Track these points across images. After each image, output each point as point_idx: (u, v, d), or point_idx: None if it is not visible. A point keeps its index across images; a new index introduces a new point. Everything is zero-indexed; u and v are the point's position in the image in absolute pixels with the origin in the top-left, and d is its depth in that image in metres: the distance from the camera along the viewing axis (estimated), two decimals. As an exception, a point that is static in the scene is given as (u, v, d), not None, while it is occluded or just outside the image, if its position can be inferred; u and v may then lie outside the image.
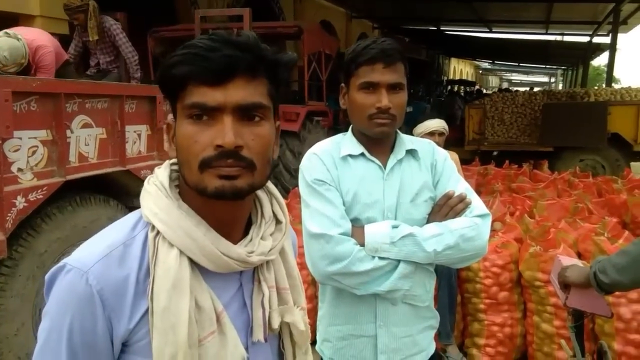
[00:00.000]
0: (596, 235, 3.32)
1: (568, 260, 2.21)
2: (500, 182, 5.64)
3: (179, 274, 0.76)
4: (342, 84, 1.51)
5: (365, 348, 1.47)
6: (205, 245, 0.78)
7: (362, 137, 1.50)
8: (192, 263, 0.78)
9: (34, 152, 2.77)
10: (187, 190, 0.81)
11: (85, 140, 3.11)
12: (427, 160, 1.52)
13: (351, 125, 1.54)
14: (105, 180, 3.38)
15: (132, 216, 0.84)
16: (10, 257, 2.66)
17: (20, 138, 2.67)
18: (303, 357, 0.94)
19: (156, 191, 0.81)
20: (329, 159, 1.47)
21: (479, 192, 5.39)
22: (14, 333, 2.70)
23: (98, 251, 0.77)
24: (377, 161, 1.48)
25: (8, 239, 2.58)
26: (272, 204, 0.90)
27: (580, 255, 3.31)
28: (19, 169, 2.68)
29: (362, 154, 1.48)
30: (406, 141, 1.53)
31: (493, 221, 3.89)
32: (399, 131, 1.53)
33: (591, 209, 4.25)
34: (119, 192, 3.55)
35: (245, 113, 0.77)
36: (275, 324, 0.87)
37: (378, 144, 1.48)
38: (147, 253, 0.78)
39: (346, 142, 1.51)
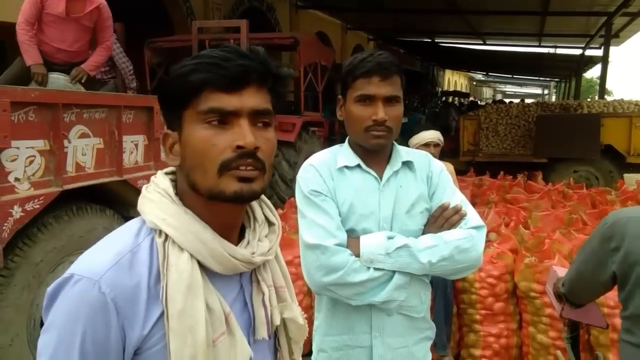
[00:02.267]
0: (590, 246, 3.34)
1: (563, 271, 2.22)
2: (495, 193, 5.68)
3: (192, 276, 0.78)
4: (339, 96, 1.54)
5: (360, 359, 1.47)
6: (214, 248, 0.80)
7: (359, 149, 1.52)
8: (200, 266, 0.80)
9: (31, 162, 2.77)
10: (189, 197, 0.84)
11: (82, 150, 3.12)
12: (423, 172, 1.54)
13: (348, 137, 1.56)
14: (102, 190, 3.37)
15: (132, 224, 0.85)
16: (6, 266, 2.65)
17: (18, 148, 2.67)
18: (299, 352, 0.98)
19: (161, 198, 0.83)
20: (326, 170, 1.49)
21: (473, 203, 5.44)
22: (9, 343, 2.68)
23: (107, 259, 0.77)
24: (373, 172, 1.50)
25: (4, 248, 2.57)
26: (262, 208, 0.94)
27: (574, 266, 3.33)
28: (16, 179, 2.67)
29: (359, 165, 1.50)
30: (402, 153, 1.55)
31: (488, 232, 3.91)
32: (395, 143, 1.55)
33: (585, 220, 4.28)
34: (115, 202, 3.54)
35: (257, 118, 0.82)
36: (277, 321, 0.91)
37: (374, 156, 1.50)
38: (155, 259, 0.80)
39: (343, 154, 1.53)
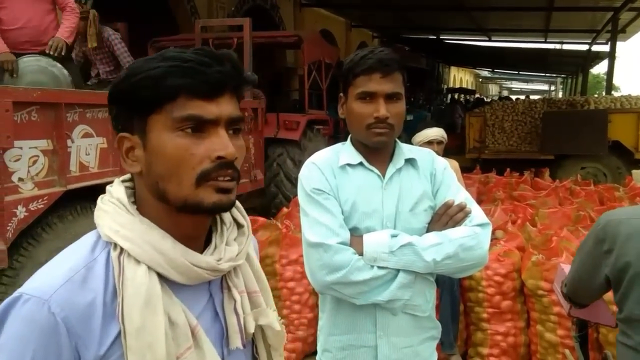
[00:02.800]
0: (598, 243, 3.30)
1: (570, 268, 2.20)
2: (501, 190, 5.63)
3: (150, 290, 0.73)
4: (341, 94, 1.52)
5: (365, 358, 1.45)
6: (174, 258, 0.76)
7: (361, 147, 1.50)
8: (160, 278, 0.76)
9: (34, 162, 2.77)
10: (150, 205, 0.79)
11: (85, 149, 3.12)
12: (427, 170, 1.52)
13: (350, 135, 1.54)
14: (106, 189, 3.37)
15: (88, 238, 0.80)
16: (11, 266, 2.66)
17: (21, 148, 2.68)
18: (279, 359, 0.93)
19: (114, 209, 0.78)
20: (328, 168, 1.47)
21: (480, 201, 5.40)
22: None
23: (58, 276, 0.72)
24: (376, 170, 1.48)
25: (9, 248, 2.58)
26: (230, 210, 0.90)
27: (582, 264, 3.29)
28: (20, 179, 2.68)
29: (361, 163, 1.48)
30: (405, 150, 1.52)
31: (495, 229, 3.89)
32: (398, 140, 1.53)
33: (593, 217, 4.23)
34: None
35: (231, 126, 0.79)
36: (251, 329, 0.86)
37: (377, 153, 1.48)
38: (111, 274, 0.75)
39: (345, 152, 1.51)
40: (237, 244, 0.85)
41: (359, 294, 1.37)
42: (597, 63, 20.94)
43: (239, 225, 0.89)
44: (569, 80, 27.04)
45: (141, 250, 0.75)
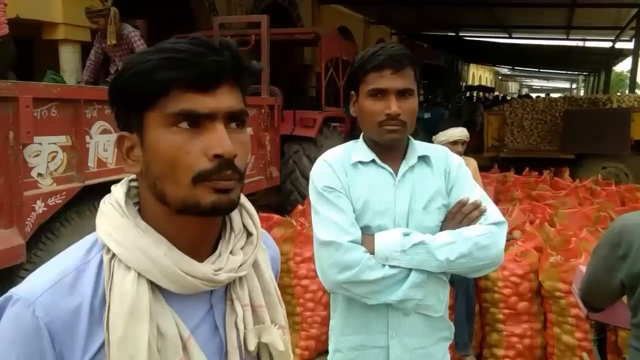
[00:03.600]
0: (619, 244, 3.24)
1: (589, 270, 2.16)
2: (519, 189, 5.55)
3: (136, 299, 0.69)
4: (352, 92, 1.50)
5: (377, 359, 1.43)
6: (165, 266, 0.71)
7: (373, 144, 1.48)
8: (154, 286, 0.72)
9: (53, 158, 2.81)
10: (151, 207, 0.75)
11: (104, 145, 3.15)
12: (441, 167, 1.49)
13: (362, 132, 1.53)
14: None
15: (88, 239, 0.77)
16: (29, 260, 2.70)
17: (41, 143, 2.72)
18: None
19: (110, 210, 0.75)
20: (339, 165, 1.45)
21: (497, 200, 5.33)
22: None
23: (47, 279, 0.70)
24: (388, 168, 1.46)
25: (27, 243, 2.62)
26: (242, 216, 0.84)
27: (602, 266, 3.23)
28: (39, 174, 2.72)
29: (373, 161, 1.46)
30: (418, 147, 1.50)
31: (512, 229, 3.83)
32: (411, 137, 1.50)
33: (614, 218, 4.15)
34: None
35: (232, 120, 0.73)
36: (252, 346, 0.79)
37: (389, 151, 1.46)
38: (102, 278, 0.71)
39: (357, 149, 1.49)
40: (242, 254, 0.80)
41: (370, 293, 1.36)
42: (621, 61, 20.56)
43: (249, 234, 0.83)
44: (591, 78, 26.56)
45: (131, 256, 0.71)
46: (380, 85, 1.39)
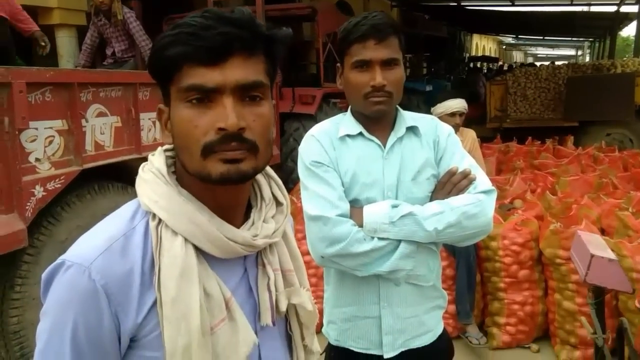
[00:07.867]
0: (620, 210, 3.23)
1: (589, 236, 2.15)
2: (522, 159, 5.53)
3: (186, 262, 0.74)
4: (338, 64, 1.48)
5: (370, 329, 1.45)
6: (210, 231, 0.76)
7: (361, 117, 1.46)
8: (197, 250, 0.76)
9: (50, 142, 2.81)
10: (185, 176, 0.79)
11: (100, 129, 3.15)
12: (430, 137, 1.48)
13: (349, 105, 1.51)
14: (123, 168, 3.42)
15: (129, 206, 0.82)
16: (32, 245, 2.72)
17: (37, 128, 2.72)
18: (311, 337, 0.94)
19: (154, 178, 0.79)
20: (327, 139, 1.44)
21: (499, 170, 5.30)
22: (38, 319, 2.78)
23: (99, 245, 0.74)
24: (376, 140, 1.45)
25: (29, 227, 2.64)
26: (270, 187, 0.88)
27: (603, 231, 3.23)
28: (37, 159, 2.73)
29: (361, 134, 1.45)
30: (407, 118, 1.48)
31: (514, 199, 3.82)
32: (399, 108, 1.49)
33: (616, 184, 4.13)
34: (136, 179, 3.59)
35: (245, 93, 0.75)
36: (283, 307, 0.86)
37: (377, 123, 1.45)
38: (150, 243, 0.76)
39: (345, 122, 1.48)
40: (274, 222, 0.85)
41: (360, 265, 1.36)
42: (626, 25, 20.14)
43: (278, 203, 0.88)
44: (597, 44, 26.09)
45: (178, 222, 0.75)
46: (364, 57, 1.37)
